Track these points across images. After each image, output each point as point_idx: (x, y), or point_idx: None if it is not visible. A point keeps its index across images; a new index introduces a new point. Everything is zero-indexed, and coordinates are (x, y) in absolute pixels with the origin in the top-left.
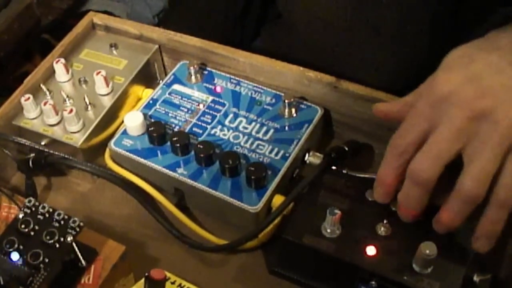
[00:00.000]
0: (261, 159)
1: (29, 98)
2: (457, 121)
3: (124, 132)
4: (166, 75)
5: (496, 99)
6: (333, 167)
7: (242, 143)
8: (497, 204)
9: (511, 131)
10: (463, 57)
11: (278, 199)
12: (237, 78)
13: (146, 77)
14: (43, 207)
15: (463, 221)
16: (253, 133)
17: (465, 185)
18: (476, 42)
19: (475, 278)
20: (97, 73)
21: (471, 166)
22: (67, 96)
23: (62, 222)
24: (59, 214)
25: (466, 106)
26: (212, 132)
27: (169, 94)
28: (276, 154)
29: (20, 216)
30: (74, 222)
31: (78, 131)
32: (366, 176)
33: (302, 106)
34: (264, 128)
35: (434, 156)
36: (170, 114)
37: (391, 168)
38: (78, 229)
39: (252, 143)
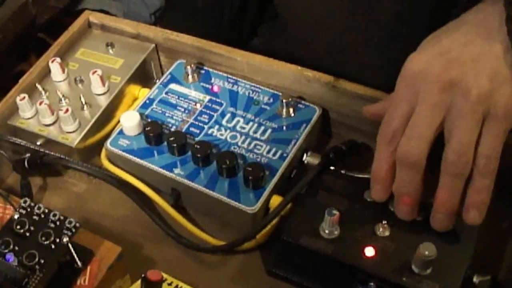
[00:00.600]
0: (258, 159)
1: (24, 97)
2: (430, 97)
3: (121, 132)
4: (162, 74)
5: (464, 69)
6: (331, 167)
7: (239, 143)
8: (479, 173)
9: (481, 99)
10: (432, 38)
11: (276, 200)
12: (234, 78)
13: (142, 76)
14: (39, 208)
15: (458, 199)
16: (251, 133)
17: (449, 159)
18: (447, 24)
19: (475, 279)
20: (93, 73)
21: (451, 140)
22: (63, 96)
23: (58, 223)
24: (54, 215)
25: (435, 79)
26: (209, 132)
27: (166, 93)
28: (274, 154)
29: (16, 216)
30: (70, 222)
31: (74, 131)
32: (365, 176)
33: (300, 105)
34: (262, 128)
35: (417, 135)
36: (167, 114)
37: (383, 159)
38: (74, 230)
39: (249, 143)
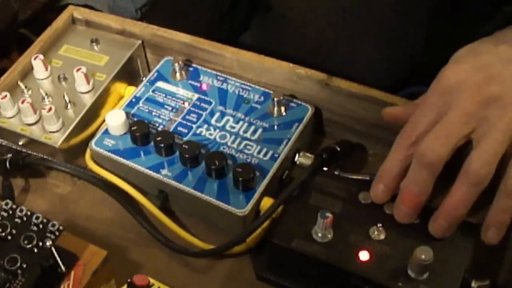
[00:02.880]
0: (249, 160)
1: (6, 96)
2: (467, 105)
3: (106, 132)
4: (149, 71)
5: (505, 85)
6: (325, 168)
7: (229, 143)
8: (506, 192)
9: None
10: (471, 51)
11: (266, 202)
12: (224, 75)
13: (128, 74)
14: (21, 210)
15: (466, 210)
16: (241, 132)
17: (472, 165)
18: (483, 39)
19: (473, 284)
20: (77, 70)
21: (479, 148)
22: (46, 94)
23: (40, 226)
24: (37, 218)
25: (475, 91)
26: (198, 131)
27: (153, 91)
28: (265, 155)
29: None
30: (53, 225)
31: (57, 131)
32: (359, 177)
33: (292, 104)
34: (252, 128)
35: (443, 137)
36: (153, 113)
37: (397, 160)
38: (57, 233)
39: (239, 143)
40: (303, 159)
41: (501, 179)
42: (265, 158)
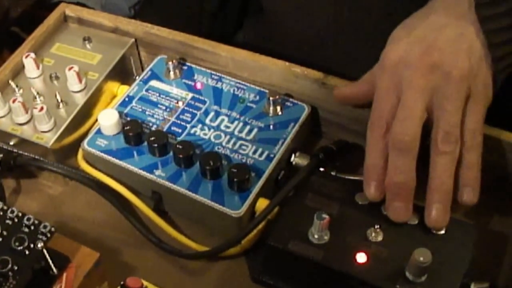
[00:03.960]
0: (244, 160)
1: None
2: (415, 81)
3: (98, 132)
4: (143, 70)
5: (442, 52)
6: (321, 169)
7: (224, 143)
8: (467, 149)
9: (463, 78)
10: (404, 28)
11: (262, 203)
12: (218, 74)
13: (121, 72)
14: (12, 212)
15: (451, 181)
16: (236, 132)
17: (438, 138)
18: (414, 14)
19: (472, 287)
20: (70, 69)
21: (440, 121)
22: (38, 93)
23: (32, 228)
24: (28, 219)
25: (416, 65)
26: (192, 131)
27: (146, 91)
28: (260, 155)
29: None
30: (45, 227)
31: (49, 131)
32: (356, 178)
33: (288, 103)
34: (248, 127)
35: (408, 117)
36: (147, 112)
37: (377, 151)
38: (49, 235)
39: (234, 143)
40: (299, 159)
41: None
42: (260, 159)
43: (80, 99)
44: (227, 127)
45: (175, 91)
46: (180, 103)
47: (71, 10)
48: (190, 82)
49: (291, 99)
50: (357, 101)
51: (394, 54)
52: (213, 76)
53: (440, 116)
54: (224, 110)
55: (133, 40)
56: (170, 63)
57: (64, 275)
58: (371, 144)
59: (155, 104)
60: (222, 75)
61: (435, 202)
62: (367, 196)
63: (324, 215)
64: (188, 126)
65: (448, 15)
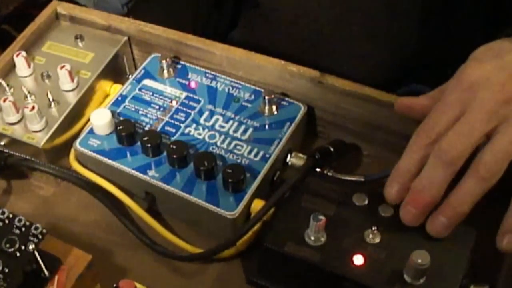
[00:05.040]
0: (239, 161)
1: None
2: (489, 104)
3: (91, 131)
4: (136, 69)
5: None
6: (317, 169)
7: (218, 143)
8: None
9: None
10: (492, 50)
11: (257, 204)
12: (213, 73)
13: (114, 71)
14: (3, 213)
15: (471, 207)
16: (231, 132)
17: (485, 159)
18: (503, 39)
19: None
20: (61, 67)
21: (494, 143)
22: (29, 92)
23: (23, 229)
24: (20, 220)
25: (498, 89)
26: (186, 131)
27: (140, 90)
28: (256, 155)
29: None
30: (36, 229)
31: (40, 130)
32: (353, 179)
33: (284, 103)
34: (243, 127)
35: (465, 134)
36: (140, 112)
37: (414, 159)
38: (40, 237)
39: (229, 143)
40: (295, 159)
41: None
42: (255, 159)
43: (72, 98)
44: (222, 126)
45: (168, 90)
46: (174, 103)
47: (63, 8)
48: (184, 81)
49: (287, 98)
50: (418, 115)
51: (475, 73)
52: (207, 75)
53: (498, 139)
54: (218, 110)
55: (126, 38)
56: (163, 61)
57: (56, 277)
58: (411, 149)
59: (148, 104)
60: (217, 74)
61: (444, 216)
62: (385, 195)
63: (321, 217)
64: (182, 125)
65: None
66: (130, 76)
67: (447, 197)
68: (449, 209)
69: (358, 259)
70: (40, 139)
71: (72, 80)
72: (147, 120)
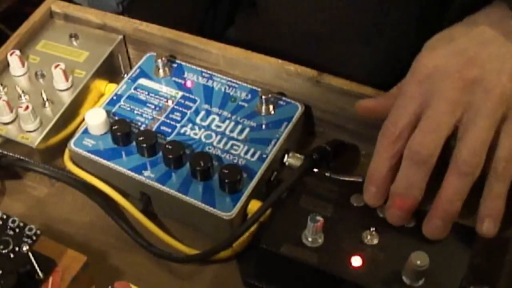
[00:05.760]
0: (235, 161)
1: None
2: (450, 93)
3: (85, 131)
4: (131, 68)
5: (485, 68)
6: (315, 170)
7: (214, 143)
8: (497, 177)
9: (503, 98)
10: (444, 37)
11: (254, 205)
12: (209, 72)
13: (109, 70)
14: None
15: (461, 203)
16: (227, 132)
17: (462, 155)
18: (454, 25)
19: None
20: (56, 66)
21: (466, 137)
22: (23, 92)
23: (17, 230)
24: (13, 221)
25: (456, 76)
26: (182, 131)
27: (135, 89)
28: (252, 155)
29: None
30: (30, 230)
31: (34, 130)
32: (351, 179)
33: (281, 102)
34: (239, 127)
35: (433, 130)
36: (135, 111)
37: (384, 159)
38: (34, 238)
39: (225, 143)
40: (293, 160)
41: (489, 167)
42: (252, 159)
43: (67, 98)
44: (218, 126)
45: (164, 89)
46: (170, 102)
47: (57, 6)
48: (180, 80)
49: (284, 98)
50: (380, 115)
51: (430, 63)
52: (203, 74)
53: (469, 131)
54: (215, 109)
55: (121, 37)
56: (159, 60)
57: (50, 279)
58: (379, 150)
59: (144, 103)
60: (213, 73)
61: (438, 218)
62: (365, 199)
63: (318, 217)
64: (178, 125)
65: (493, 31)
66: (125, 75)
67: (436, 199)
68: (440, 210)
69: (356, 261)
70: (34, 139)
71: (67, 79)
72: (142, 119)
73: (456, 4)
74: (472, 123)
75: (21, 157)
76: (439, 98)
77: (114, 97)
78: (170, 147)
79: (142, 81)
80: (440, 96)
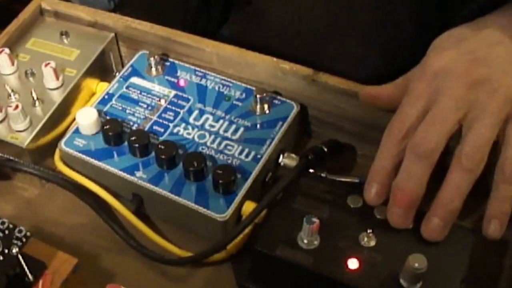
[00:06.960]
0: (229, 161)
1: None
2: (456, 91)
3: (76, 131)
4: (123, 66)
5: (492, 67)
6: (311, 170)
7: (208, 143)
8: (503, 179)
9: (509, 99)
10: (453, 37)
11: (249, 206)
12: (202, 70)
13: (100, 69)
14: None
15: (461, 202)
16: (221, 132)
17: (465, 151)
18: (462, 25)
19: None
20: (46, 65)
21: (470, 133)
22: (12, 91)
23: (6, 232)
24: (3, 223)
25: (463, 75)
26: (175, 130)
27: (127, 88)
28: (247, 156)
29: None
30: (20, 231)
31: (24, 130)
32: (348, 180)
33: (276, 101)
34: (233, 127)
35: (437, 124)
36: (127, 111)
37: (389, 156)
38: (24, 240)
39: (219, 143)
40: (288, 160)
41: (495, 168)
42: (247, 159)
43: (57, 97)
44: (212, 126)
45: (157, 88)
46: (163, 101)
47: (47, 3)
48: (173, 79)
49: (279, 97)
50: (384, 104)
51: (438, 62)
52: (197, 72)
53: (473, 128)
54: (208, 109)
55: (112, 34)
56: (151, 59)
57: (40, 282)
58: (385, 147)
59: (136, 102)
60: (207, 72)
61: (437, 217)
62: (365, 198)
63: (314, 219)
64: (171, 125)
65: (502, 33)
66: (117, 73)
67: (436, 196)
68: (440, 208)
69: (353, 263)
70: (24, 139)
71: (57, 78)
72: (134, 119)
73: (469, 6)
74: (477, 121)
75: (11, 158)
76: (444, 95)
77: (106, 96)
78: (162, 147)
79: (134, 79)
80: (446, 93)
